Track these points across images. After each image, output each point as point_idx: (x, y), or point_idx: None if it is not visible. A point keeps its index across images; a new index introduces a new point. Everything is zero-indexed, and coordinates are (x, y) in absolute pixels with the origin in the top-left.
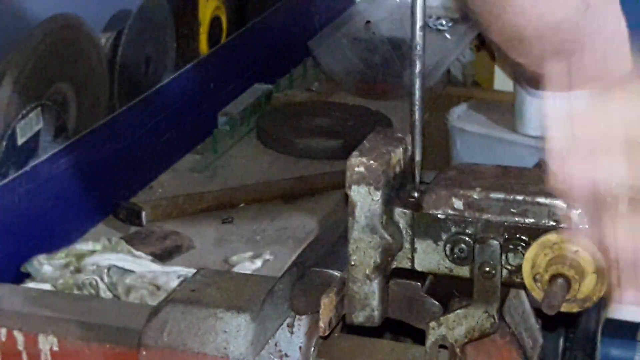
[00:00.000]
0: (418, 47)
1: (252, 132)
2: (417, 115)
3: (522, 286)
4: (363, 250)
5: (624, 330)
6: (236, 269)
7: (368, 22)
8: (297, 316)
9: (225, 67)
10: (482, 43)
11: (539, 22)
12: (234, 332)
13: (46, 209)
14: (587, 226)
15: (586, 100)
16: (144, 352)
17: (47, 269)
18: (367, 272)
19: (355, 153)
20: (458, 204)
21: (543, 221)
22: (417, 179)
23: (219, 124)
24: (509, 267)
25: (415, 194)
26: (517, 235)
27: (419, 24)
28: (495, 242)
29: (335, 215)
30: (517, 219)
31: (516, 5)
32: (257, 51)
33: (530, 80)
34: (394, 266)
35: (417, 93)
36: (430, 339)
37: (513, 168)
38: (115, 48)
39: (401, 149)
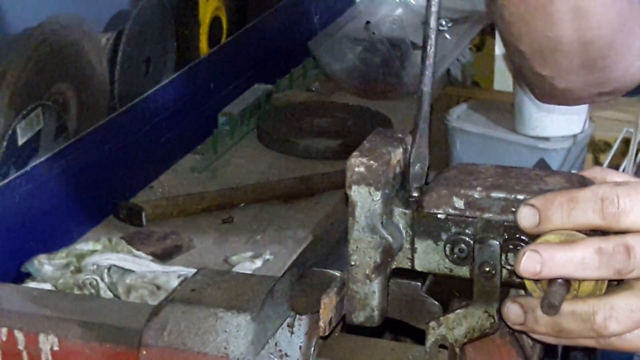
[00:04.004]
0: (429, 60)
1: (252, 132)
2: (423, 114)
3: (522, 286)
4: (363, 250)
5: None
6: (236, 269)
7: (368, 22)
8: (297, 316)
9: (225, 67)
10: (482, 44)
11: (575, 36)
12: (234, 332)
13: (46, 209)
14: None
15: None
16: (144, 352)
17: (47, 268)
18: (367, 272)
19: (355, 153)
20: (459, 203)
21: None
22: (422, 179)
23: (219, 124)
24: (509, 267)
25: (415, 194)
26: (517, 235)
27: (432, 27)
28: (495, 242)
29: (327, 221)
30: None
31: (556, 16)
32: (257, 51)
33: (546, 93)
34: (394, 266)
35: (426, 94)
36: (430, 339)
37: (513, 168)
38: (115, 48)
39: (401, 149)
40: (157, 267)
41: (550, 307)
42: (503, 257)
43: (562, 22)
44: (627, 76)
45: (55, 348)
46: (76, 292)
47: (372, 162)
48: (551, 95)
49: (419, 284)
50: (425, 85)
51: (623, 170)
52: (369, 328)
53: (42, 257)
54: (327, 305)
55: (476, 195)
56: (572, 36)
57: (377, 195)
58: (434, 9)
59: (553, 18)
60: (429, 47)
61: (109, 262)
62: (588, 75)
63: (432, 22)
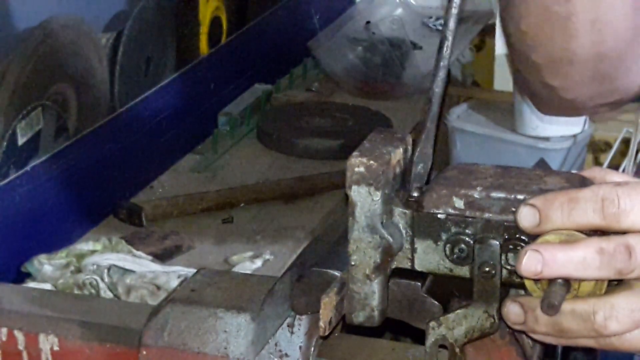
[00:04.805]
0: (444, 60)
1: (252, 132)
2: (432, 114)
3: (522, 286)
4: (363, 250)
5: None
6: (236, 269)
7: (368, 22)
8: (297, 316)
9: (225, 67)
10: (482, 44)
11: (591, 49)
12: (234, 332)
13: (46, 209)
14: None
15: None
16: (144, 352)
17: (47, 268)
18: (367, 272)
19: (355, 153)
20: (459, 203)
21: None
22: (423, 179)
23: (219, 124)
24: (509, 267)
25: (415, 194)
26: (517, 235)
27: (451, 29)
28: (495, 242)
29: (327, 221)
30: None
31: (575, 28)
32: (257, 51)
33: (551, 104)
34: (394, 266)
35: (437, 95)
36: (430, 339)
37: (513, 168)
38: (115, 48)
39: (401, 149)
40: (157, 267)
41: (550, 307)
42: (503, 257)
43: (580, 35)
44: (631, 87)
45: (55, 348)
46: (76, 292)
47: (372, 162)
48: (557, 106)
49: (419, 284)
50: (437, 86)
51: (623, 170)
52: (369, 328)
53: (42, 257)
54: (327, 305)
55: (476, 195)
56: (589, 49)
57: (377, 195)
58: (454, 10)
59: (572, 30)
60: (445, 48)
61: (109, 262)
62: (597, 87)
63: (451, 24)
